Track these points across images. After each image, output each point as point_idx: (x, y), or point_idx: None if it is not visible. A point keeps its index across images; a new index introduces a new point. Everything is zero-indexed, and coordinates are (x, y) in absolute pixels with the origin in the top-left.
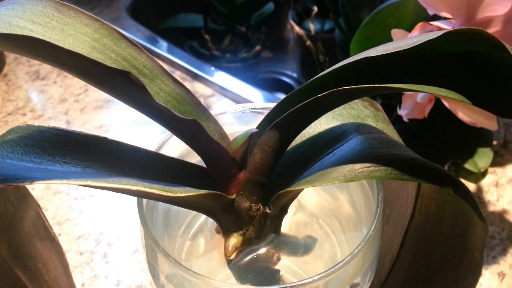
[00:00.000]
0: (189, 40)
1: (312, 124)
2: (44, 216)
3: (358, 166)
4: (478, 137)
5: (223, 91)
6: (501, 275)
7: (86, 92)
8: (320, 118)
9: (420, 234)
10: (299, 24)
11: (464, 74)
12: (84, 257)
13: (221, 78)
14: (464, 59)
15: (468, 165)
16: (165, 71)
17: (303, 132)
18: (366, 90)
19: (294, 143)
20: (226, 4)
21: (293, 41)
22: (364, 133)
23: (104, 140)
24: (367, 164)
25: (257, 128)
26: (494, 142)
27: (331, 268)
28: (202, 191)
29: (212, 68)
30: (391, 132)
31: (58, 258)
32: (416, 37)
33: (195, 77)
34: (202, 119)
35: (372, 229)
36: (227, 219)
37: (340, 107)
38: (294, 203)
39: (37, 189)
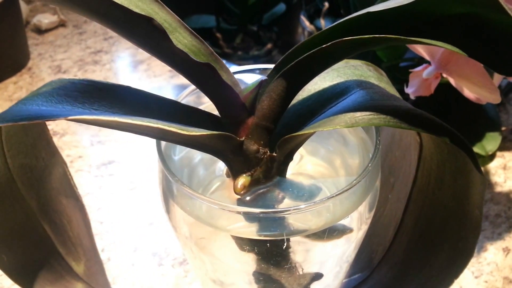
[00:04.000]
0: None
1: (318, 82)
2: (70, 174)
3: (358, 114)
4: (486, 122)
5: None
6: (506, 250)
7: None
8: (325, 76)
9: (422, 198)
10: (311, 23)
11: (463, 35)
12: (104, 226)
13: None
14: (463, 20)
15: (476, 148)
16: (183, 24)
17: (309, 88)
18: (367, 40)
19: (301, 97)
20: (238, 4)
21: None
22: (366, 88)
23: (129, 88)
24: (367, 113)
25: (267, 77)
26: (503, 128)
27: (330, 195)
28: (215, 132)
29: (224, 61)
30: (394, 92)
31: (82, 217)
32: None
33: None
34: (216, 67)
35: (369, 165)
36: (236, 161)
37: (345, 68)
38: (297, 168)
39: None
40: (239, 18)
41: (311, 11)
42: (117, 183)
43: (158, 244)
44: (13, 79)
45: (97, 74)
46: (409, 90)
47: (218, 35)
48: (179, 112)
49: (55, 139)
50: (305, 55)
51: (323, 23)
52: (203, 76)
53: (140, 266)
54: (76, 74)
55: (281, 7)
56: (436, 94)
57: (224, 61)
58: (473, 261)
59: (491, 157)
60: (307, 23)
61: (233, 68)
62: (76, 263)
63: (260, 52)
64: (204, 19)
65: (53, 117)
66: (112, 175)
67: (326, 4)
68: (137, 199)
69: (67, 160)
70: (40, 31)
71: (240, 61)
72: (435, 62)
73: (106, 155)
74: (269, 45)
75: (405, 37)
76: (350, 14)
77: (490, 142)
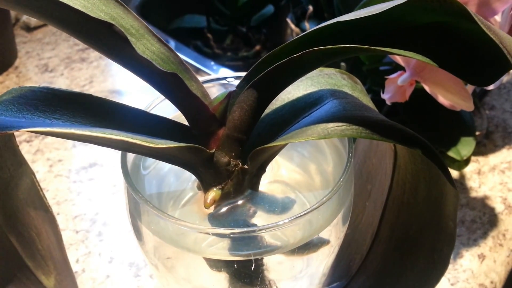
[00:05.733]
0: (193, 39)
1: (292, 91)
2: (39, 185)
3: (331, 125)
4: (461, 128)
5: (223, 84)
6: (481, 257)
7: (91, 83)
8: (299, 85)
9: (398, 207)
10: (297, 25)
11: (434, 44)
12: (79, 235)
13: (222, 73)
14: (434, 29)
15: (451, 153)
16: (150, 31)
17: (283, 97)
18: (337, 50)
19: (274, 107)
20: (228, 5)
21: None
22: (339, 98)
23: (92, 97)
24: (340, 124)
25: (236, 87)
26: (477, 133)
27: (299, 213)
28: (182, 144)
29: (212, 63)
30: (367, 102)
31: (52, 229)
32: (387, 3)
33: (197, 71)
34: (185, 78)
35: (341, 179)
36: (207, 174)
37: (319, 76)
38: (272, 175)
39: (40, 172)
40: (229, 19)
41: (298, 13)
42: (97, 188)
43: (136, 252)
44: (0, 78)
45: (83, 72)
46: (385, 96)
47: (209, 35)
48: (147, 122)
49: (37, 141)
50: (276, 65)
51: (308, 26)
52: (169, 86)
53: (116, 277)
54: (62, 72)
55: (269, 8)
56: (412, 99)
57: (213, 62)
58: (449, 267)
59: (466, 161)
60: (292, 26)
61: (204, 77)
62: (46, 277)
63: (249, 53)
64: (196, 19)
65: (6, 129)
66: (92, 179)
67: (311, 8)
68: (118, 203)
69: (46, 164)
70: (29, 28)
71: (229, 62)
72: (409, 69)
73: (89, 157)
74: (257, 47)
75: (376, 48)
76: (334, 17)
77: (465, 146)
